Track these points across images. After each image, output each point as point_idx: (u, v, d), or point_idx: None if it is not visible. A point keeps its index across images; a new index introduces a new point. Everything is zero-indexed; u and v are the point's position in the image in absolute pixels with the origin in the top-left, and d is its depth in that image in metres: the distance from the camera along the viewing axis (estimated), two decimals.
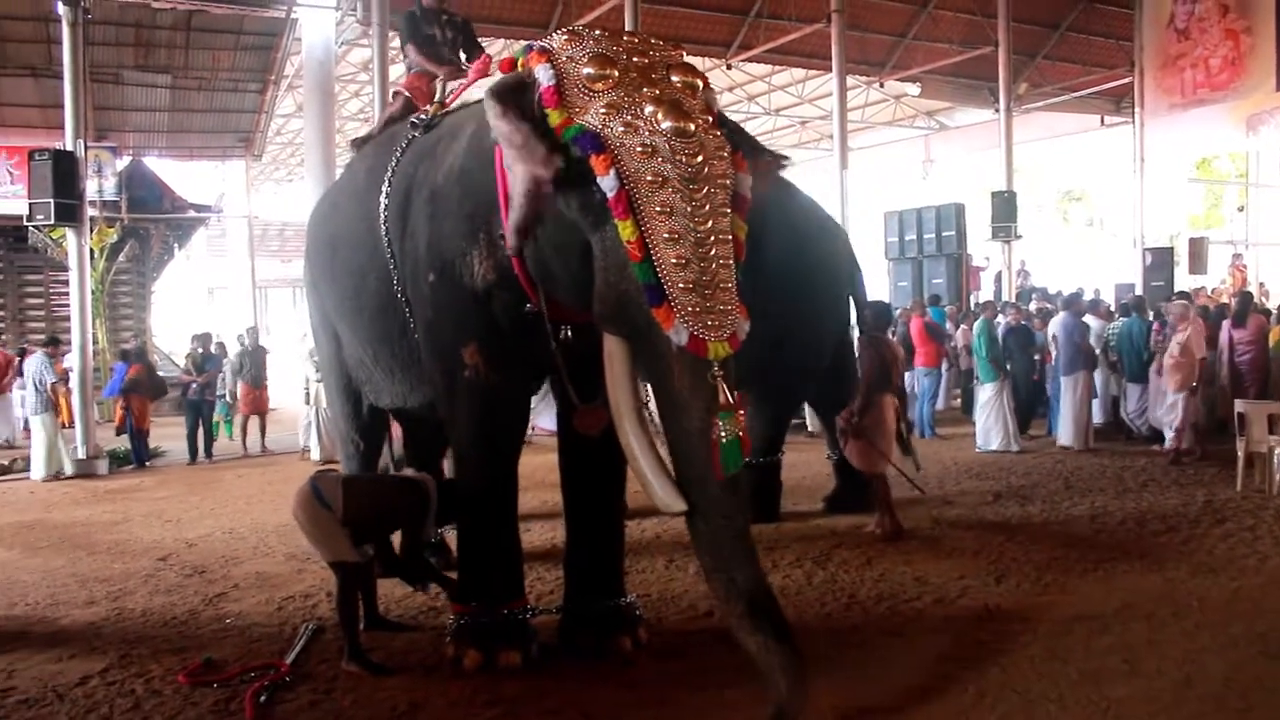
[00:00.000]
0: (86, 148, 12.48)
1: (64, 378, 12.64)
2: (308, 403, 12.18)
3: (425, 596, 5.80)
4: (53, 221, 12.03)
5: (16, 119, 18.79)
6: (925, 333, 12.76)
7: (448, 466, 6.29)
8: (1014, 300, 16.48)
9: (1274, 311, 13.44)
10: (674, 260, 3.69)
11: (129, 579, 6.71)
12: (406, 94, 6.19)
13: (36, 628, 5.69)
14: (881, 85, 23.08)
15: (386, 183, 5.14)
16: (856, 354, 8.48)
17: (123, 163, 19.05)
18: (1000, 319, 12.22)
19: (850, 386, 8.00)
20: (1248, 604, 5.50)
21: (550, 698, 4.37)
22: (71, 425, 12.38)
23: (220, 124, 21.25)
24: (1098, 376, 11.57)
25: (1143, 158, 20.51)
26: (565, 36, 4.11)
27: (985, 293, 19.73)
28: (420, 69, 6.25)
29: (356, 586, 4.94)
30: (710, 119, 4.03)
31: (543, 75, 4.00)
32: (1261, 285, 20.92)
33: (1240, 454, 8.64)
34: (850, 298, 8.08)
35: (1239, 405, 9.02)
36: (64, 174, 11.66)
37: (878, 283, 19.65)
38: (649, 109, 3.80)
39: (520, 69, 4.19)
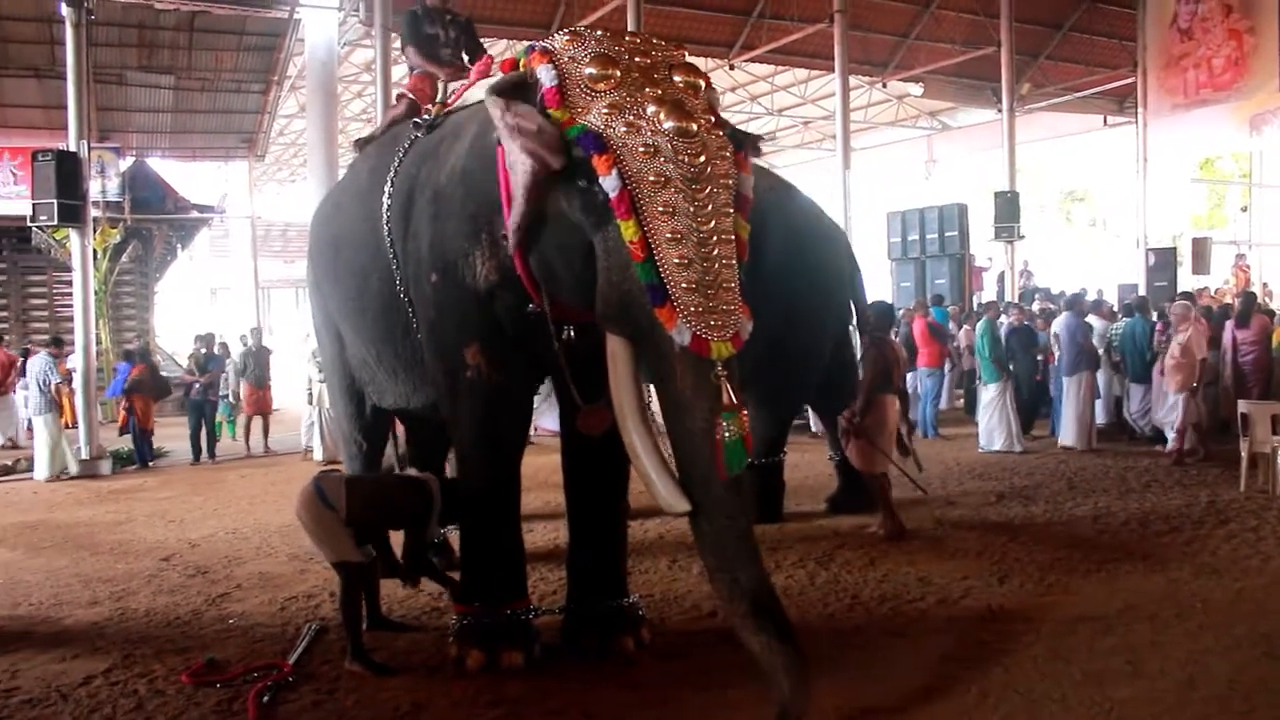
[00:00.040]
0: (90, 148, 12.52)
1: (67, 378, 12.66)
2: (310, 403, 12.19)
3: (428, 597, 5.81)
4: (56, 222, 12.05)
5: (20, 120, 18.84)
6: (928, 333, 12.76)
7: (450, 466, 6.29)
8: (1017, 301, 16.46)
9: (1277, 312, 13.41)
10: (677, 260, 3.69)
11: (132, 579, 6.71)
12: (410, 96, 6.19)
13: (40, 628, 5.70)
14: (884, 85, 23.08)
15: (389, 183, 5.14)
16: (857, 355, 8.49)
17: (126, 163, 19.09)
18: (1003, 319, 12.22)
19: (850, 388, 8.02)
20: (1251, 605, 5.49)
21: (553, 698, 4.37)
22: (75, 425, 12.40)
23: (223, 124, 21.29)
24: (1101, 377, 11.56)
25: (1146, 158, 20.50)
26: (567, 37, 4.12)
27: (988, 293, 19.72)
28: (422, 71, 6.26)
29: (360, 587, 4.95)
30: (713, 119, 4.03)
31: (545, 76, 4.00)
32: (1265, 285, 20.88)
33: (1244, 455, 8.62)
34: (850, 300, 8.08)
35: (1242, 406, 9.01)
36: (67, 175, 11.68)
37: (880, 283, 19.67)
38: (651, 109, 3.81)
39: (522, 69, 4.19)
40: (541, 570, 6.20)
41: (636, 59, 4.00)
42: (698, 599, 5.69)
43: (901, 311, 14.07)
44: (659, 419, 4.02)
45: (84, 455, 11.81)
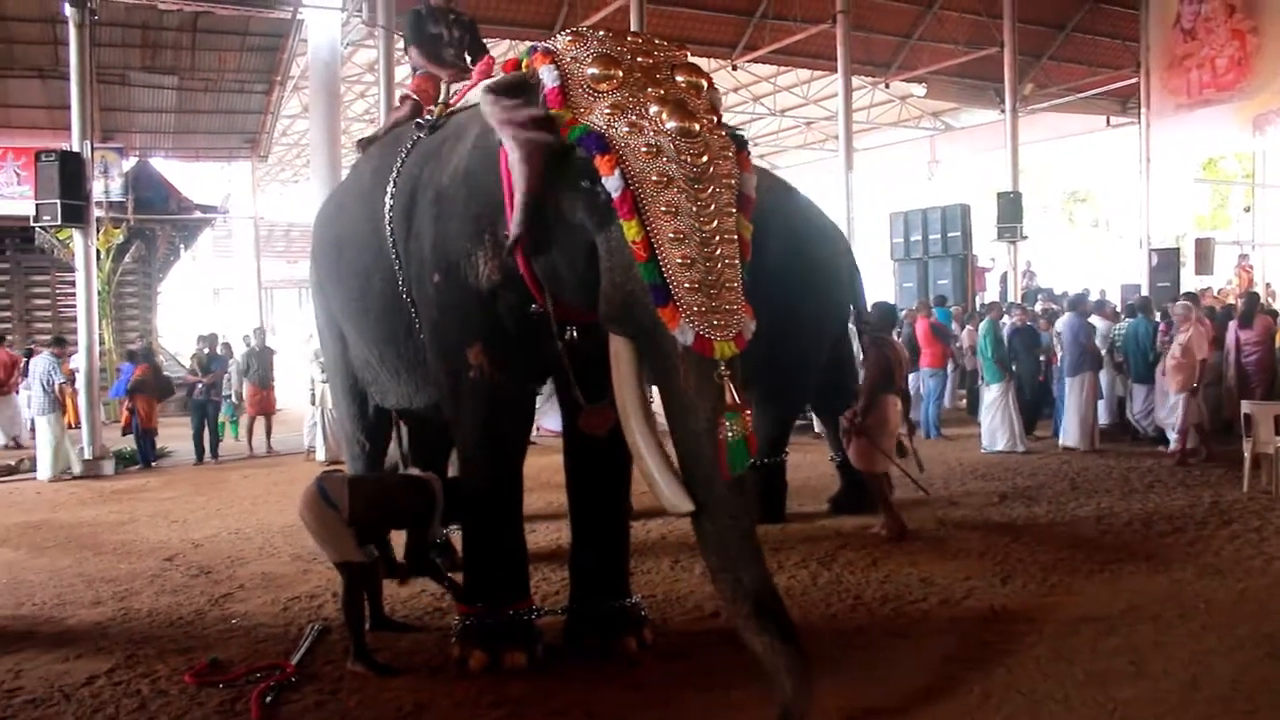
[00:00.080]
0: (93, 149, 12.52)
1: (70, 378, 12.67)
2: (313, 403, 12.19)
3: (430, 597, 5.81)
4: (59, 222, 12.04)
5: (23, 120, 18.85)
6: (931, 333, 12.75)
7: (452, 466, 6.29)
8: (1019, 301, 16.45)
9: None
10: (679, 260, 3.70)
11: (135, 579, 6.72)
12: (414, 97, 6.18)
13: (43, 628, 5.71)
14: (887, 86, 23.07)
15: (392, 184, 5.15)
16: (856, 356, 8.50)
17: (129, 164, 19.06)
18: (1005, 320, 12.21)
19: (849, 389, 8.03)
20: (1254, 605, 5.49)
21: (555, 698, 4.37)
22: (77, 426, 12.41)
23: (226, 125, 21.31)
24: (1104, 377, 11.55)
25: (1148, 158, 20.46)
26: (569, 37, 4.12)
27: (991, 293, 19.71)
28: (425, 71, 6.26)
29: (362, 587, 4.95)
30: (715, 119, 4.03)
31: (547, 76, 4.02)
32: (1268, 286, 20.83)
33: (1247, 455, 8.61)
34: (849, 301, 8.09)
35: (1245, 406, 9.00)
36: (70, 175, 11.68)
37: (883, 284, 19.67)
38: (654, 109, 3.81)
39: (524, 70, 4.20)
40: (544, 570, 6.20)
41: (639, 59, 4.01)
42: (700, 599, 5.68)
43: (904, 312, 14.06)
44: (662, 419, 4.01)
45: (87, 455, 11.82)
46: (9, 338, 16.94)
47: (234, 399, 13.62)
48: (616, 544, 5.12)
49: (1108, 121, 24.30)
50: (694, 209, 3.73)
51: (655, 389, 4.05)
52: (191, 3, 14.65)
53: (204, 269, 30.51)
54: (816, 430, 11.56)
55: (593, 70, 3.94)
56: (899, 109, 27.32)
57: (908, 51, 21.89)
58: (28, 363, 13.74)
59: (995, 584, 5.96)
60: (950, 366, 13.51)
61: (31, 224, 13.18)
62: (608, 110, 3.86)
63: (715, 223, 3.76)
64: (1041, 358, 12.24)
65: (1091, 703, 4.19)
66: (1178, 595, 5.65)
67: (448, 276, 4.69)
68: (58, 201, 11.60)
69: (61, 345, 12.87)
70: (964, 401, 14.55)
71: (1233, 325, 11.33)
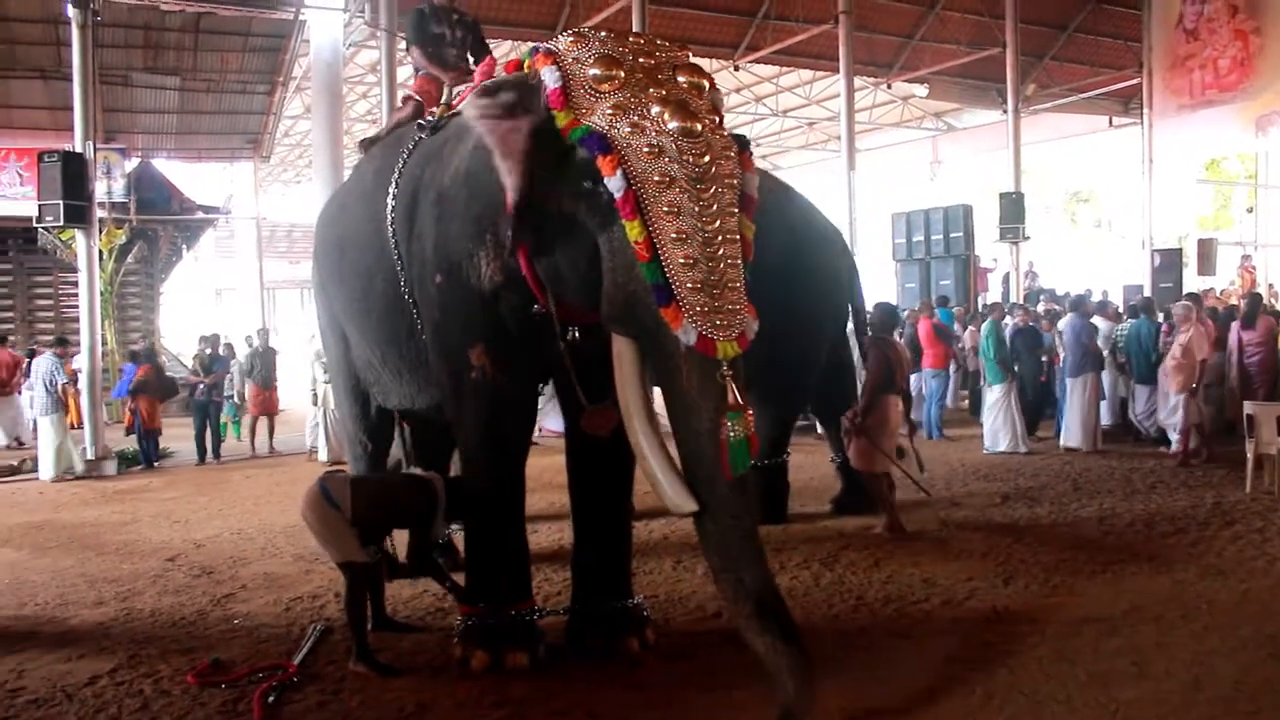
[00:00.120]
0: (95, 149, 12.53)
1: (73, 378, 12.68)
2: (315, 404, 12.20)
3: (432, 598, 5.82)
4: (62, 223, 12.05)
5: (26, 121, 18.87)
6: (933, 334, 12.74)
7: (454, 467, 6.29)
8: (1022, 302, 16.45)
9: None
10: (682, 260, 3.70)
11: (137, 579, 6.73)
12: (416, 97, 6.18)
13: (46, 628, 5.71)
14: (889, 86, 23.05)
15: (394, 184, 5.15)
16: (854, 360, 8.50)
17: (131, 164, 19.08)
18: (1008, 320, 12.20)
19: (847, 392, 8.04)
20: (1257, 606, 5.48)
21: (557, 699, 4.37)
22: (80, 426, 12.42)
23: (228, 125, 21.33)
24: (1106, 378, 11.55)
25: (1151, 159, 20.44)
26: (571, 38, 4.13)
27: (993, 294, 19.70)
28: (426, 72, 6.25)
29: (365, 587, 4.95)
30: (717, 119, 4.04)
31: (549, 77, 4.02)
32: (1271, 287, 20.85)
33: (1249, 456, 8.60)
34: (848, 302, 8.09)
35: (1248, 407, 8.99)
36: (73, 176, 11.69)
37: (885, 284, 19.68)
38: (655, 109, 3.82)
39: (526, 71, 4.20)
40: (546, 571, 6.21)
41: (640, 60, 4.01)
42: (702, 600, 5.69)
43: (906, 312, 14.06)
44: (664, 419, 4.01)
45: (89, 455, 11.83)
46: (11, 338, 16.97)
47: (236, 399, 13.63)
48: (618, 544, 5.12)
49: (1110, 122, 24.28)
50: (696, 209, 3.73)
51: (657, 389, 4.04)
52: (194, 3, 14.65)
53: (206, 269, 30.54)
54: (819, 431, 11.57)
55: (594, 71, 3.94)
56: (901, 109, 27.31)
57: (910, 52, 21.87)
58: (30, 363, 13.75)
59: (998, 585, 5.96)
60: (952, 367, 13.50)
61: (34, 224, 13.20)
62: (610, 111, 3.86)
63: (718, 223, 3.77)
64: (1044, 358, 12.23)
65: (1094, 703, 4.19)
66: (1180, 596, 5.65)
67: (450, 277, 4.69)
68: (60, 202, 11.61)
69: (64, 345, 12.88)
70: (966, 402, 14.54)
71: (1235, 326, 11.32)
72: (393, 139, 5.84)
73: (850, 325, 8.32)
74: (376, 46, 15.24)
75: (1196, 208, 28.68)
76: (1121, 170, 25.12)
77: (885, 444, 7.39)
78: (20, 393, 14.61)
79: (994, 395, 11.24)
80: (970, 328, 14.04)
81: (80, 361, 12.61)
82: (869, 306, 8.29)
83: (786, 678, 3.68)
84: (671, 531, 7.35)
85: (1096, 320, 11.89)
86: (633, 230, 3.73)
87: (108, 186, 16.63)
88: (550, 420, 10.36)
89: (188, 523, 8.68)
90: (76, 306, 13.45)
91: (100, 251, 13.90)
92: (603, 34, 4.15)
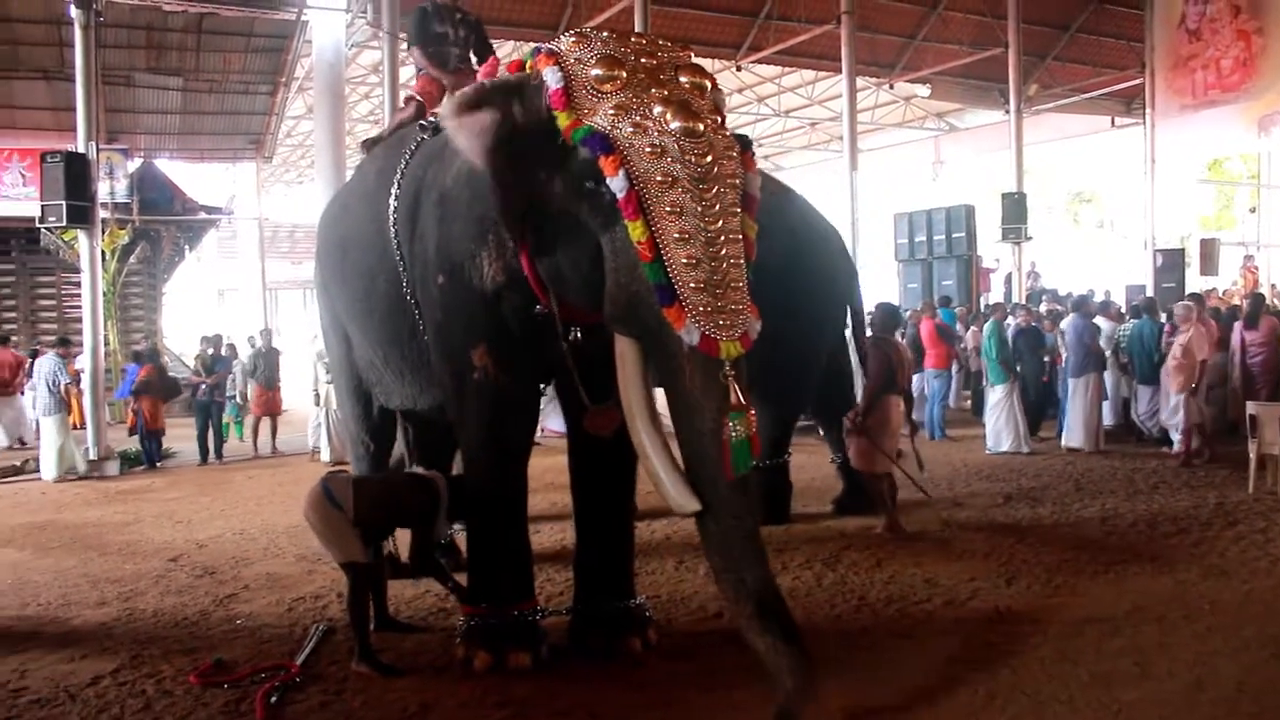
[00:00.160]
0: (98, 150, 12.54)
1: (76, 379, 12.70)
2: (317, 404, 12.21)
3: (435, 598, 5.82)
4: (65, 223, 12.07)
5: (29, 121, 18.88)
6: (936, 334, 12.73)
7: (456, 467, 6.30)
8: (1024, 302, 16.43)
9: None
10: (685, 260, 3.70)
11: (140, 580, 6.73)
12: (418, 98, 6.17)
13: (48, 628, 5.72)
14: (891, 87, 23.03)
15: (396, 185, 5.15)
16: (853, 364, 8.51)
17: (134, 165, 19.11)
18: (1010, 321, 12.19)
19: (845, 396, 8.04)
20: (1260, 607, 5.48)
21: (560, 699, 4.37)
22: (83, 426, 12.43)
23: (231, 126, 21.34)
24: (1108, 378, 11.54)
25: (1153, 159, 20.40)
26: (573, 38, 4.13)
27: (995, 294, 19.68)
28: (427, 72, 6.24)
29: (368, 587, 4.96)
30: (719, 119, 4.04)
31: (551, 77, 4.02)
32: (1274, 287, 20.82)
33: (1252, 456, 8.59)
34: (847, 304, 8.09)
35: (1251, 407, 8.99)
36: (76, 176, 11.71)
37: (887, 284, 19.67)
38: (657, 109, 3.81)
39: (528, 71, 4.21)
40: (548, 571, 6.21)
41: (642, 60, 4.01)
42: (704, 600, 5.69)
43: (909, 313, 14.06)
44: (667, 419, 4.01)
45: (91, 456, 11.84)
46: (14, 338, 16.99)
47: (238, 400, 13.64)
48: (621, 544, 5.12)
49: (1112, 122, 24.26)
50: (699, 209, 3.73)
51: (660, 389, 4.04)
52: (196, 4, 14.66)
53: (208, 270, 30.56)
54: (821, 431, 11.58)
55: (596, 71, 3.94)
56: (903, 110, 27.30)
57: (912, 52, 21.87)
58: (32, 363, 13.77)
59: (1000, 585, 5.96)
60: (955, 367, 13.50)
61: (37, 225, 13.21)
62: (612, 111, 3.86)
63: (720, 223, 3.76)
64: (1046, 359, 12.23)
65: (1096, 704, 4.19)
66: (1183, 596, 5.64)
67: (452, 278, 4.69)
68: (63, 202, 11.62)
69: (66, 346, 12.90)
70: (969, 402, 14.54)
71: (1238, 326, 11.32)
72: (395, 140, 5.85)
73: (849, 328, 8.32)
74: (379, 47, 15.24)
75: (1199, 208, 28.66)
76: (1124, 170, 25.09)
77: (886, 444, 7.40)
78: (23, 393, 14.63)
79: (996, 395, 11.24)
80: (972, 328, 14.04)
81: (83, 362, 12.62)
82: (870, 307, 8.29)
83: (786, 678, 3.68)
84: (674, 532, 7.35)
85: (1099, 320, 11.88)
86: (635, 230, 3.73)
87: (110, 187, 16.64)
88: (552, 420, 10.36)
89: (190, 523, 8.69)
90: (79, 307, 13.48)
91: (103, 252, 13.91)
92: (605, 34, 4.15)
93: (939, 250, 18.17)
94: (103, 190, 14.09)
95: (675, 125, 3.76)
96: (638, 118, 3.81)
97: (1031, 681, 4.44)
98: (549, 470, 7.85)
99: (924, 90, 23.01)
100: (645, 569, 6.25)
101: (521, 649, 4.70)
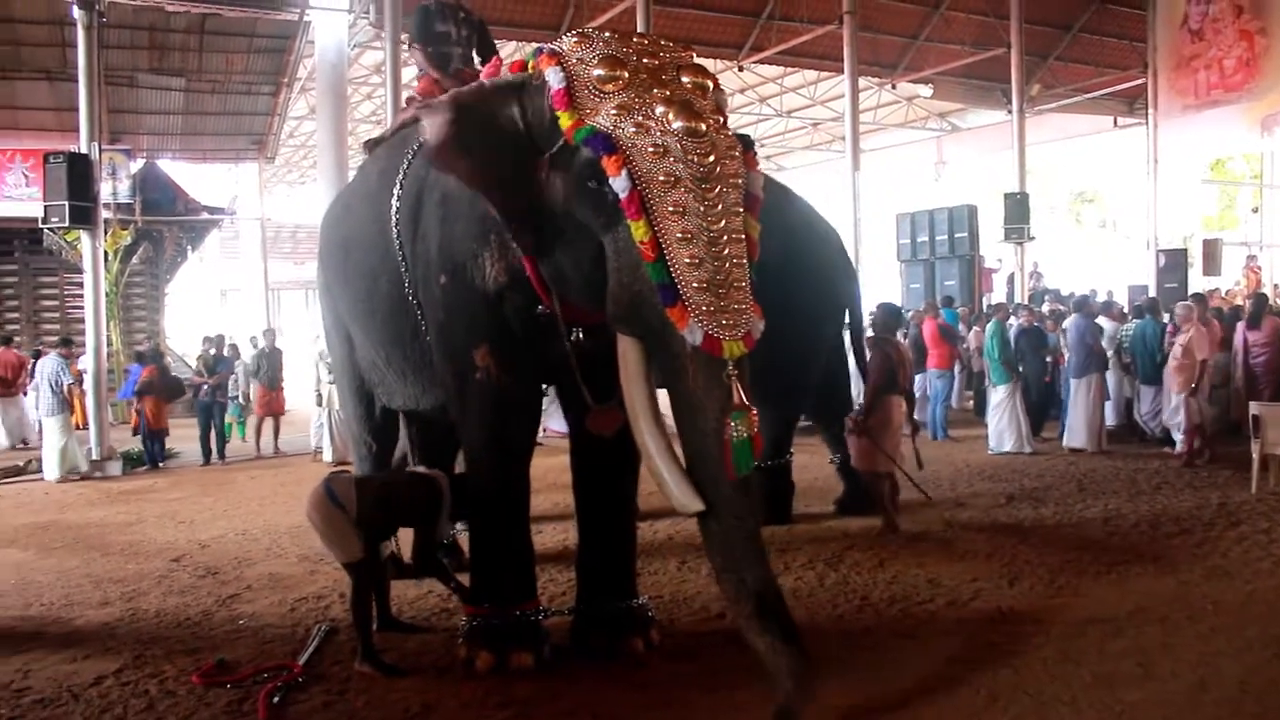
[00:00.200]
0: (101, 150, 12.56)
1: (79, 379, 12.71)
2: (320, 404, 12.22)
3: (437, 598, 5.82)
4: (67, 224, 12.09)
5: (32, 122, 18.91)
6: (938, 335, 12.72)
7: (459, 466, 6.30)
8: (1026, 302, 16.42)
9: None
10: (687, 260, 3.70)
11: (143, 580, 6.74)
12: (420, 99, 6.16)
13: (51, 628, 5.72)
14: (893, 87, 23.02)
15: (398, 185, 5.15)
16: (852, 359, 8.51)
17: (137, 165, 19.16)
18: (1013, 321, 12.19)
19: (843, 392, 8.03)
20: (1263, 607, 5.47)
21: (562, 699, 4.37)
22: (85, 426, 12.44)
23: (233, 126, 21.36)
24: (1111, 378, 11.53)
25: (1156, 159, 20.41)
26: (575, 39, 4.13)
27: (998, 295, 19.67)
28: (427, 74, 6.23)
29: (370, 588, 4.96)
30: (721, 119, 4.04)
31: (553, 78, 4.02)
32: (1276, 287, 20.80)
33: (1255, 456, 8.58)
34: (846, 306, 8.10)
35: (1254, 408, 8.97)
36: (79, 177, 11.73)
37: (890, 284, 19.66)
38: (660, 110, 3.82)
39: (530, 71, 4.21)
40: (551, 571, 6.21)
41: (644, 60, 4.01)
42: (707, 600, 5.68)
43: (911, 313, 14.05)
44: (670, 419, 4.01)
45: (94, 456, 11.85)
46: (17, 339, 17.00)
47: (241, 400, 13.65)
48: (623, 545, 5.12)
49: (1115, 122, 24.23)
50: (701, 209, 3.73)
51: (663, 390, 4.04)
52: (199, 4, 14.67)
53: (211, 270, 30.61)
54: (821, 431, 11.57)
55: (599, 71, 3.94)
56: (905, 110, 27.29)
57: (914, 52, 21.86)
58: (35, 364, 13.79)
59: (1002, 585, 5.95)
60: (957, 368, 13.49)
61: (40, 225, 13.21)
62: (614, 111, 3.86)
63: (723, 222, 3.76)
64: (1048, 359, 12.22)
65: (1099, 704, 4.18)
66: (1185, 597, 5.64)
67: (454, 278, 4.69)
68: (66, 203, 11.65)
69: (68, 346, 12.91)
70: (971, 403, 14.53)
71: (1241, 327, 11.30)
72: (397, 140, 5.84)
73: (846, 331, 8.32)
74: (381, 47, 15.23)
75: (1201, 208, 28.64)
76: (1126, 170, 25.09)
77: (888, 444, 7.40)
78: (26, 394, 14.65)
79: (999, 396, 11.23)
80: (975, 328, 14.04)
81: (85, 362, 12.64)
82: (873, 307, 8.29)
83: (786, 678, 3.68)
84: (676, 532, 7.35)
85: (1102, 320, 11.88)
86: (638, 230, 3.73)
87: (113, 187, 16.71)
88: (554, 421, 10.36)
89: (193, 523, 8.70)
90: (82, 307, 13.50)
91: (105, 252, 13.93)
92: (607, 35, 4.15)
93: (941, 250, 18.16)
94: (105, 191, 14.13)
95: (678, 125, 3.76)
96: (640, 118, 3.81)
97: (1034, 682, 4.43)
98: (551, 470, 7.85)
99: (926, 90, 23.00)
100: (648, 569, 6.25)
101: (524, 649, 4.70)
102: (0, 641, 5.44)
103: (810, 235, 7.79)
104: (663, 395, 4.02)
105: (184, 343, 22.11)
